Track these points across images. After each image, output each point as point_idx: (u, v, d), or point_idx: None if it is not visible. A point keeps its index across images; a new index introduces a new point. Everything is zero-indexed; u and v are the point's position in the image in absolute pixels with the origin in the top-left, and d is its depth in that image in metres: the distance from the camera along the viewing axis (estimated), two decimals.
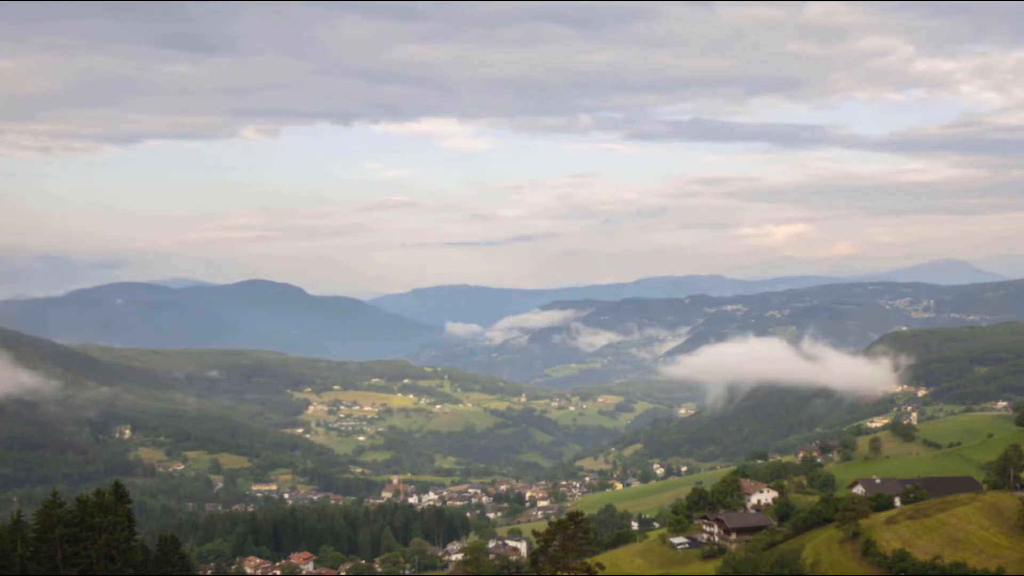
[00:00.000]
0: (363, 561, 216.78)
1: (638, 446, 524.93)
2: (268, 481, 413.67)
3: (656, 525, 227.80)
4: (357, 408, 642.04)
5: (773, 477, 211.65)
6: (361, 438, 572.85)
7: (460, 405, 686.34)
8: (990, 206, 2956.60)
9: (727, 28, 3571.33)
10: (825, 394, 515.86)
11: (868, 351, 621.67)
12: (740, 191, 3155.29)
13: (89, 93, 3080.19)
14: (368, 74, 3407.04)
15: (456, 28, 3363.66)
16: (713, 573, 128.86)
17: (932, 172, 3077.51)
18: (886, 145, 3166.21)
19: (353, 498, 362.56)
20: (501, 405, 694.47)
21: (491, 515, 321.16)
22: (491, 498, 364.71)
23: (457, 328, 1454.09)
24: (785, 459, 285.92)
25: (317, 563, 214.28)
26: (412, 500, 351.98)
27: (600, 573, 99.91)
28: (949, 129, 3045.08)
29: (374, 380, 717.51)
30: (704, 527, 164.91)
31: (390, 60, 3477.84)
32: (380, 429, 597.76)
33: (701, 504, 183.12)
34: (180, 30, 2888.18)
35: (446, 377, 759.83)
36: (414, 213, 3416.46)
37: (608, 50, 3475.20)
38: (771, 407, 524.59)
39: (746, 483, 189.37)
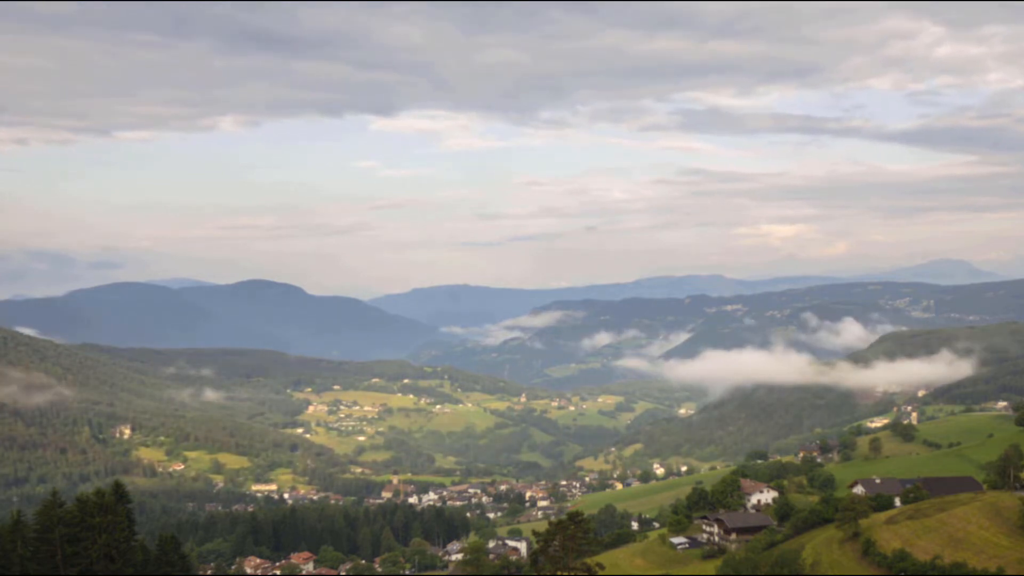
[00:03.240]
0: (363, 561, 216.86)
1: (638, 446, 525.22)
2: (268, 481, 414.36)
3: (656, 525, 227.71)
4: (357, 408, 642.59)
5: (773, 477, 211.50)
6: (361, 438, 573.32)
7: (460, 405, 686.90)
8: (1013, 204, 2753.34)
9: (736, 8, 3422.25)
10: (825, 394, 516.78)
11: (868, 351, 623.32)
12: (742, 189, 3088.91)
13: (61, 82, 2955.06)
14: (354, 61, 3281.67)
15: (445, 9, 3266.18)
16: (713, 573, 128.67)
17: (954, 167, 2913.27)
18: (905, 137, 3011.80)
19: (353, 498, 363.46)
20: (501, 405, 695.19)
21: (491, 515, 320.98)
22: (491, 498, 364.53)
23: (457, 328, 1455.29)
24: (785, 459, 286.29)
25: (317, 563, 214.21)
26: (412, 500, 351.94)
27: (600, 573, 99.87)
28: (974, 121, 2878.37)
29: (374, 380, 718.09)
30: (704, 527, 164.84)
31: (379, 46, 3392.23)
32: (380, 429, 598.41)
33: (701, 504, 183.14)
34: (156, 13, 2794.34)
35: (446, 377, 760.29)
36: (413, 213, 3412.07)
37: (609, 33, 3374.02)
38: (771, 407, 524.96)
39: (746, 483, 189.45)
